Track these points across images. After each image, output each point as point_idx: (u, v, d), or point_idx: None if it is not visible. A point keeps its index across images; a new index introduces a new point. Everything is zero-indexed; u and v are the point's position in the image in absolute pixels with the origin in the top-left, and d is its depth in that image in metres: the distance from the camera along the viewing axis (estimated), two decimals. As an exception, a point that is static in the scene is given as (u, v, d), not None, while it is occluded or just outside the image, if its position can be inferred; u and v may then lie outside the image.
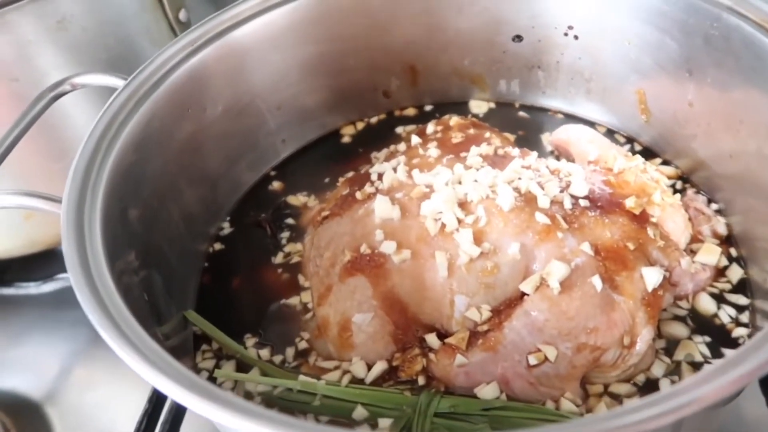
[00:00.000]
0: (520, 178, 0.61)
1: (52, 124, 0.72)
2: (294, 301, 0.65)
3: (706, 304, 0.60)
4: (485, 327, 0.55)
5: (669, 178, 0.70)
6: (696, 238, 0.64)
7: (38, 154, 0.75)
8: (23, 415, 0.73)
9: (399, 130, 0.84)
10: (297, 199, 0.76)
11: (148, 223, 0.58)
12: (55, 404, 0.74)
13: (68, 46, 0.71)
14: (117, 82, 0.63)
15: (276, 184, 0.78)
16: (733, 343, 0.57)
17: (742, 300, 0.60)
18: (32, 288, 0.84)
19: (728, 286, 0.61)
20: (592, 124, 0.80)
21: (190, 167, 0.67)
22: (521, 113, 0.84)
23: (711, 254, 0.62)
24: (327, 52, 0.77)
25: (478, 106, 0.86)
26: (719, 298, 0.60)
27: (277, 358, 0.60)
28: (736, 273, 0.62)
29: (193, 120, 0.66)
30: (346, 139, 0.83)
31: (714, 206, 0.68)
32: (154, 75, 0.62)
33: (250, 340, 0.62)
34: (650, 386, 0.55)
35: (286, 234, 0.72)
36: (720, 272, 0.62)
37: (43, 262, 0.84)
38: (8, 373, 0.78)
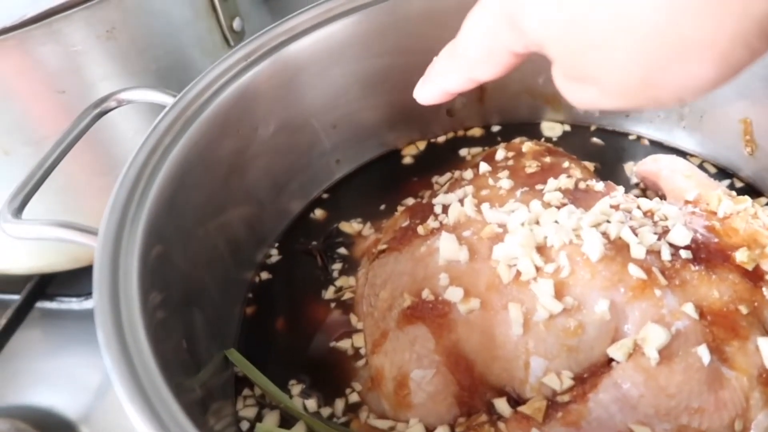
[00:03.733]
0: (608, 221, 0.53)
1: (100, 138, 0.68)
2: (345, 344, 0.59)
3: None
4: (566, 397, 0.47)
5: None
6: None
7: (85, 168, 0.72)
8: (56, 432, 0.70)
9: (463, 152, 0.77)
10: (350, 227, 0.70)
11: (191, 255, 0.53)
12: (90, 425, 0.71)
13: (117, 57, 0.67)
14: (165, 98, 0.58)
15: (328, 209, 0.72)
16: None
17: None
18: (74, 303, 0.82)
19: None
20: (683, 153, 0.71)
21: (238, 191, 0.62)
22: (597, 138, 0.76)
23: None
24: (391, 66, 0.70)
25: (551, 129, 0.78)
26: None
27: (325, 411, 0.54)
28: None
29: (243, 140, 0.61)
30: (406, 161, 0.77)
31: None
32: (203, 93, 0.57)
33: (296, 387, 0.56)
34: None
35: (337, 265, 0.66)
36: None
37: (86, 278, 0.80)
38: (46, 388, 0.75)
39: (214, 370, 0.53)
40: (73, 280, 0.82)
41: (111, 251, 0.43)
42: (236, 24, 0.77)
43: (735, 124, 0.66)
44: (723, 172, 0.70)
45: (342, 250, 0.67)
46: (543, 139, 0.76)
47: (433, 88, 0.47)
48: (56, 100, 0.66)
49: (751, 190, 0.67)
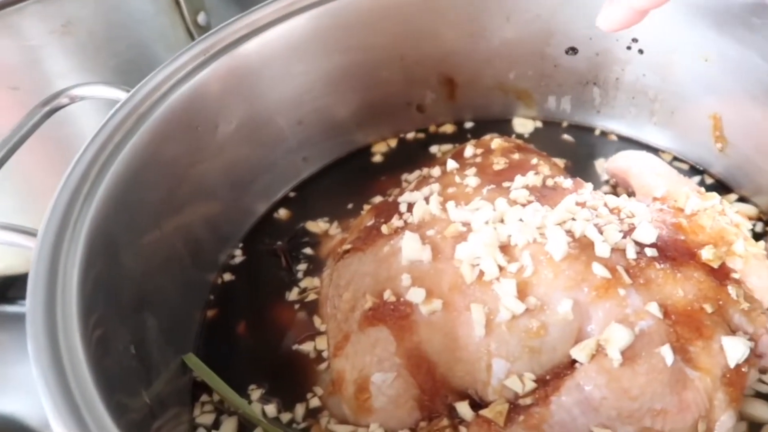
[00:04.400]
0: (574, 219, 0.52)
1: (57, 135, 0.66)
2: (308, 347, 0.57)
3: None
4: (528, 400, 0.46)
5: (749, 219, 0.60)
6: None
7: (41, 166, 0.70)
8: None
9: (434, 149, 0.75)
10: (317, 226, 0.68)
11: (144, 258, 0.52)
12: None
13: (74, 52, 0.65)
14: (119, 94, 0.56)
15: (295, 208, 0.70)
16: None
17: None
18: None
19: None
20: (654, 150, 0.71)
21: (199, 191, 0.60)
22: (568, 135, 0.75)
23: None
24: (356, 62, 0.69)
25: (523, 125, 0.77)
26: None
27: (285, 416, 0.53)
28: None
29: (202, 139, 0.59)
30: (375, 158, 0.75)
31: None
32: (159, 89, 0.55)
33: (256, 392, 0.54)
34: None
35: (303, 266, 0.64)
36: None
37: (47, 280, 0.79)
38: (7, 394, 0.73)
39: (169, 376, 0.51)
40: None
41: (49, 254, 0.41)
42: (201, 19, 0.75)
43: (705, 120, 0.65)
44: (694, 169, 0.69)
45: (308, 250, 0.66)
46: (514, 136, 0.75)
47: (619, 9, 0.43)
48: (9, 96, 0.64)
49: (721, 186, 0.66)
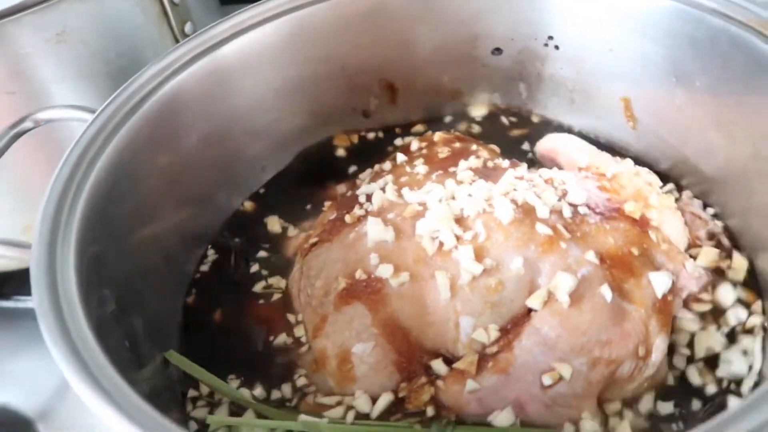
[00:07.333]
0: (515, 189, 0.59)
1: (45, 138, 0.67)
2: (283, 338, 0.60)
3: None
4: (494, 348, 0.52)
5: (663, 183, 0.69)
6: (694, 243, 0.63)
7: (38, 168, 0.70)
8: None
9: (390, 149, 0.81)
10: (275, 227, 0.72)
11: (125, 261, 0.54)
12: (48, 422, 0.70)
13: (68, 60, 0.67)
14: (84, 115, 0.59)
15: (254, 212, 0.74)
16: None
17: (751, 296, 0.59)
18: (30, 302, 0.80)
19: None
20: (578, 135, 0.79)
21: (168, 199, 0.63)
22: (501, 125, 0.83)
23: (710, 258, 0.61)
24: (303, 74, 0.74)
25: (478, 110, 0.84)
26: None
27: (274, 396, 0.56)
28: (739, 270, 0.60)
29: (168, 150, 0.63)
30: (331, 162, 0.80)
31: (710, 210, 0.66)
32: (124, 106, 0.58)
33: (239, 380, 0.57)
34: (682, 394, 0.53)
35: (260, 266, 0.68)
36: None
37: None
38: (2, 386, 0.75)
39: (157, 371, 0.54)
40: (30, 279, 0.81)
41: (46, 257, 0.44)
42: (188, 28, 0.78)
43: (617, 103, 0.74)
44: (616, 151, 0.77)
45: (262, 254, 0.69)
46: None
47: None
48: (6, 101, 0.66)
49: (640, 162, 0.74)
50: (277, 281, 0.66)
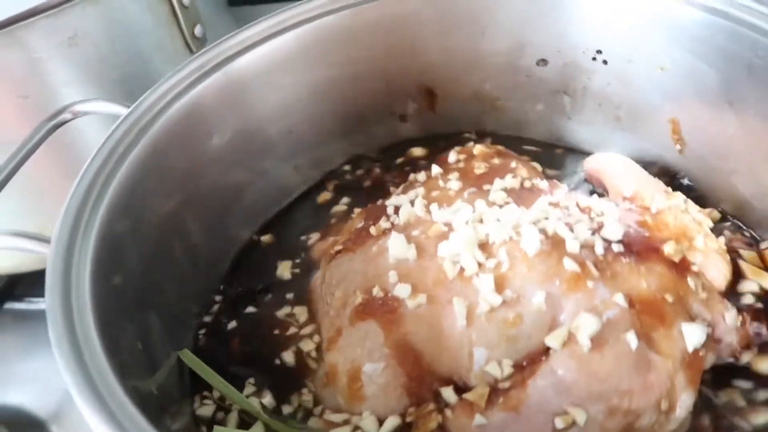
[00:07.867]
0: (546, 218, 0.57)
1: (66, 142, 0.69)
2: (303, 347, 0.60)
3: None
4: (507, 384, 0.50)
5: (706, 215, 0.65)
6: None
7: (51, 172, 0.72)
8: (27, 432, 0.71)
9: (418, 151, 0.80)
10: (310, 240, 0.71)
11: (147, 261, 0.55)
12: (60, 424, 0.72)
13: (79, 63, 0.69)
14: (120, 110, 0.60)
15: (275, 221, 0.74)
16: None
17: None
18: (42, 303, 0.83)
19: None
20: (622, 153, 0.75)
21: (196, 199, 0.63)
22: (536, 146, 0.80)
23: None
24: (340, 75, 0.73)
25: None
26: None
27: (283, 406, 0.56)
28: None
29: (199, 149, 0.63)
30: (361, 169, 0.79)
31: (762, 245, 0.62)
32: (156, 104, 0.58)
33: (252, 387, 0.58)
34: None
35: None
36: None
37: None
38: (15, 388, 0.76)
39: (170, 370, 0.55)
40: (42, 281, 0.82)
41: (63, 256, 0.45)
42: (198, 31, 0.78)
43: (665, 124, 0.70)
44: (662, 172, 0.73)
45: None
46: (489, 140, 0.79)
47: None
48: (20, 104, 0.67)
49: (684, 187, 0.71)
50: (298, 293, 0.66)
